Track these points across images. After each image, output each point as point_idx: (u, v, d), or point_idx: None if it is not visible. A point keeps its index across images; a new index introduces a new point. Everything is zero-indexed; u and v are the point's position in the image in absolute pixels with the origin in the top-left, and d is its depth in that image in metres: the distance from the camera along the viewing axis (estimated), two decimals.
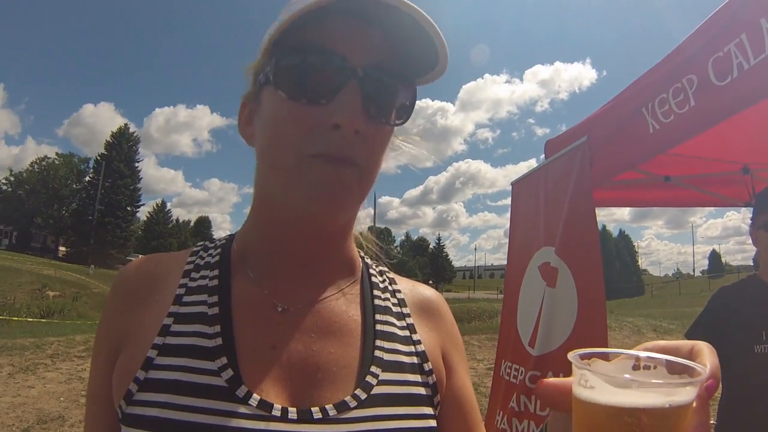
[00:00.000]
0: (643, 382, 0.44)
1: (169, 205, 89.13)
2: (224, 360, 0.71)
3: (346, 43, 0.73)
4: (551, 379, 0.54)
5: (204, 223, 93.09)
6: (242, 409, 0.67)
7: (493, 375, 3.84)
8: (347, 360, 0.78)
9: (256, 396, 0.69)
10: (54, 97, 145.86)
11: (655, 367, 0.47)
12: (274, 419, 0.68)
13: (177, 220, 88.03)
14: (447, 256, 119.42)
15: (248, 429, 0.66)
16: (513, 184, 4.01)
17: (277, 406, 0.69)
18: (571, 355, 0.48)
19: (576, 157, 2.96)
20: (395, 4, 0.68)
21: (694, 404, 0.44)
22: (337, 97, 0.72)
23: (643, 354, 0.48)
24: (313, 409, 0.71)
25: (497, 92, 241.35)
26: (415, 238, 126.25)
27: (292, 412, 0.69)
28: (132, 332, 0.77)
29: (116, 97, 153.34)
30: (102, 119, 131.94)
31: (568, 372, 0.53)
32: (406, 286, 0.98)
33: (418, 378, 0.82)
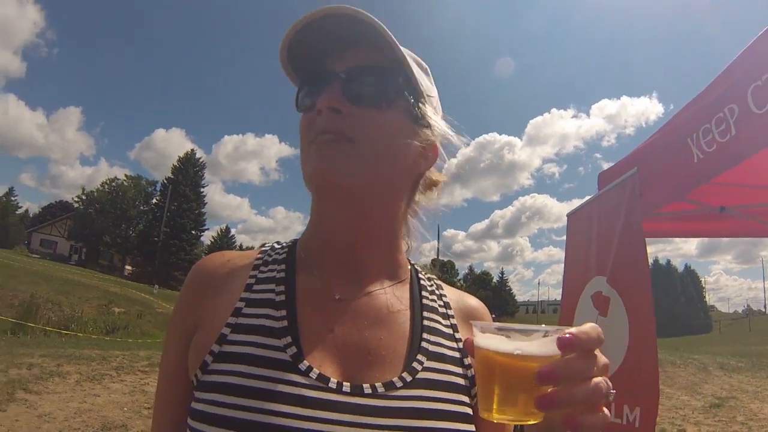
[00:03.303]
0: (508, 330, 0.65)
1: (233, 231, 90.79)
2: (289, 339, 0.84)
3: (327, 56, 0.93)
4: (468, 338, 0.73)
5: None
6: (303, 380, 0.79)
7: None
8: (395, 347, 0.89)
9: (315, 370, 0.81)
10: (128, 122, 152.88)
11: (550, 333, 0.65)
12: (330, 390, 0.79)
13: (240, 246, 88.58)
14: (510, 290, 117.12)
15: (308, 397, 0.77)
16: (569, 215, 4.05)
17: (333, 380, 0.81)
18: (474, 322, 0.71)
19: (626, 188, 3.00)
20: (342, 12, 0.86)
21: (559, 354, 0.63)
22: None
23: (550, 328, 0.65)
24: (364, 385, 0.82)
25: (564, 127, 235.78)
26: (479, 271, 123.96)
27: (346, 386, 0.81)
28: (207, 315, 0.90)
29: (187, 124, 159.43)
30: (172, 144, 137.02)
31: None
32: (453, 294, 1.08)
33: (459, 370, 0.92)
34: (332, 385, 0.80)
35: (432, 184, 1.06)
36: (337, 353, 0.86)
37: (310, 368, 0.81)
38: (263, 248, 1.04)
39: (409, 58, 0.94)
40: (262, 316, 0.87)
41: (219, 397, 0.78)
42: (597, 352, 0.66)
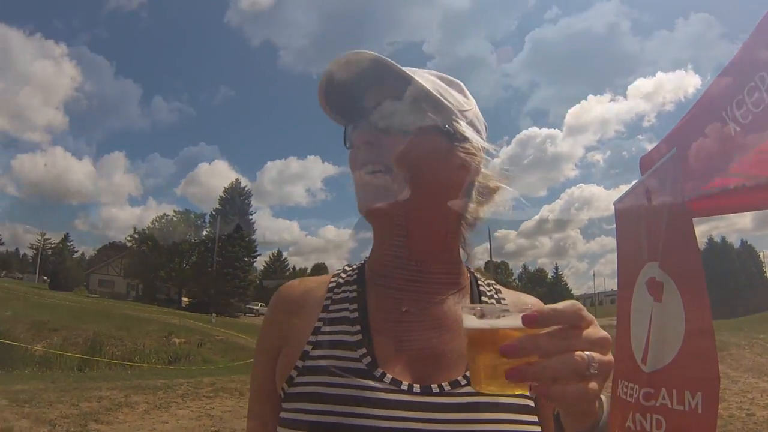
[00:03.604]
0: (495, 311, 0.71)
1: (285, 254, 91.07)
2: (364, 350, 0.95)
3: (361, 97, 1.04)
4: None
5: (320, 270, 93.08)
6: (379, 385, 0.90)
7: (611, 396, 3.78)
8: (459, 349, 0.97)
9: (389, 375, 0.91)
10: (171, 160, 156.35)
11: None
12: (403, 392, 0.89)
13: (294, 268, 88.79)
14: (566, 284, 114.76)
15: (384, 399, 0.88)
16: (615, 204, 3.99)
17: (405, 383, 0.91)
18: (462, 306, 0.75)
19: (667, 170, 2.95)
20: (361, 58, 0.97)
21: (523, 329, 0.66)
22: None
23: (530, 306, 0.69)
24: (432, 385, 0.91)
25: (603, 112, 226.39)
26: (533, 269, 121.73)
27: (416, 387, 0.91)
28: (290, 335, 1.02)
29: (229, 155, 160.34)
30: (216, 176, 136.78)
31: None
32: (511, 296, 1.15)
33: None
34: (404, 387, 0.91)
35: (491, 192, 1.10)
36: (407, 359, 0.96)
37: (384, 374, 0.92)
38: (336, 271, 1.15)
39: (436, 78, 1.04)
40: (339, 332, 0.99)
41: (305, 406, 0.90)
42: (593, 327, 0.68)
